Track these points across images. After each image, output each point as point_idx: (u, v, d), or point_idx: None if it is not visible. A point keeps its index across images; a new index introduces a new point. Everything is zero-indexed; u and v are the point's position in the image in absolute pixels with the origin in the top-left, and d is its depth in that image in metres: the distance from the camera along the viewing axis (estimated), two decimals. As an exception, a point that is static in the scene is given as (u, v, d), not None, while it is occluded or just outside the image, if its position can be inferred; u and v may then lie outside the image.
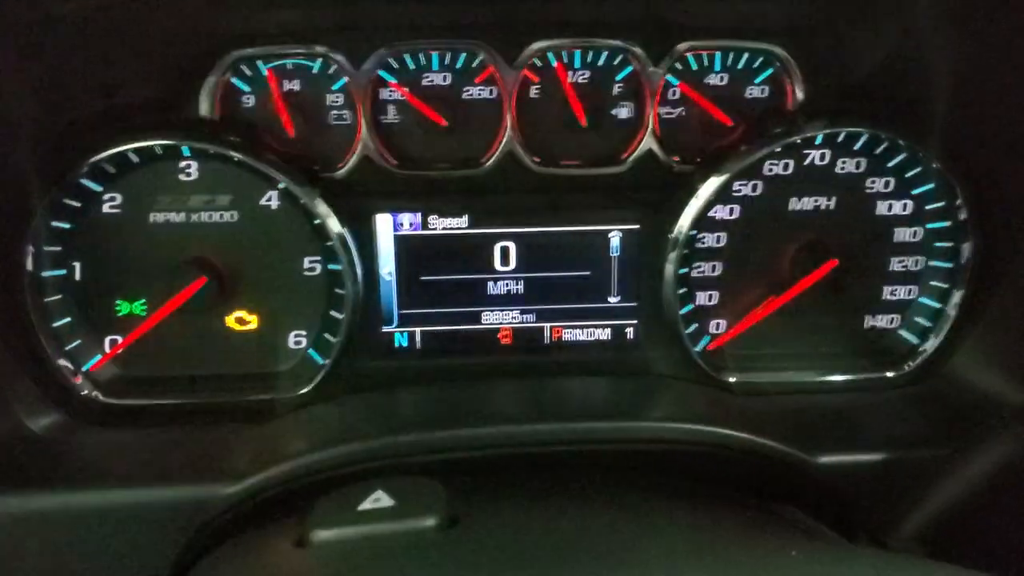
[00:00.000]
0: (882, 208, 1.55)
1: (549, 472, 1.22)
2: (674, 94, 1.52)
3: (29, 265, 1.40)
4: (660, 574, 0.85)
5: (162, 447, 1.39)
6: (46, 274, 1.44)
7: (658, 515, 1.06)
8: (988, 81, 1.39)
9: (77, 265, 1.47)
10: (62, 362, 1.46)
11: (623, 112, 1.53)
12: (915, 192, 1.54)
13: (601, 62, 1.51)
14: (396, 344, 1.59)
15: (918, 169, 1.51)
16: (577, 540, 0.95)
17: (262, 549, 1.03)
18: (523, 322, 1.60)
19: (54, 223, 1.42)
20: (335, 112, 1.49)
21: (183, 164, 1.46)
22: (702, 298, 1.58)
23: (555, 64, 1.49)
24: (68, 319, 1.47)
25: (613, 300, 1.60)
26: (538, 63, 1.49)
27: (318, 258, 1.51)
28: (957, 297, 1.54)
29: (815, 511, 1.30)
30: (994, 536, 1.25)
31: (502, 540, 0.94)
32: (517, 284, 1.58)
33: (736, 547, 0.97)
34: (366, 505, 0.98)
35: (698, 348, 1.58)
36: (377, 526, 0.95)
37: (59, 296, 1.46)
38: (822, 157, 1.52)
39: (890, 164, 1.52)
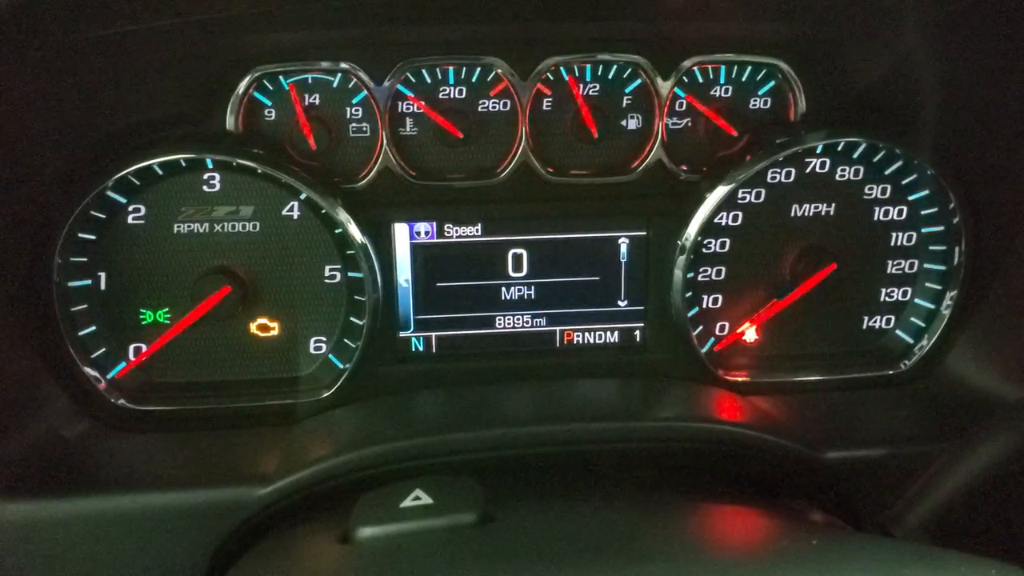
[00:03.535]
0: (879, 213, 1.59)
1: (577, 470, 1.25)
2: (681, 106, 1.55)
3: (55, 276, 1.41)
4: (684, 566, 0.87)
5: (192, 451, 1.40)
6: (72, 284, 1.45)
7: (680, 510, 1.09)
8: (977, 93, 1.43)
9: (102, 275, 1.48)
10: (88, 370, 1.47)
11: (632, 123, 1.55)
12: (911, 198, 1.58)
13: (611, 76, 1.53)
14: (413, 348, 1.61)
15: (913, 176, 1.55)
16: (604, 533, 0.98)
17: (306, 545, 1.06)
18: (535, 326, 1.63)
19: (80, 234, 1.43)
20: (355, 125, 1.50)
21: (206, 176, 1.47)
22: (708, 301, 1.62)
23: (567, 78, 1.51)
24: (93, 328, 1.48)
25: (622, 304, 1.63)
26: (551, 77, 1.51)
27: (338, 266, 1.53)
28: (950, 298, 1.59)
29: (825, 505, 1.32)
30: (997, 524, 1.27)
31: (538, 535, 0.97)
32: (529, 290, 1.61)
33: (758, 537, 1.02)
34: (407, 503, 1.01)
35: (704, 349, 1.61)
36: (418, 522, 0.98)
37: (85, 306, 1.47)
38: (822, 165, 1.56)
39: (887, 171, 1.56)
